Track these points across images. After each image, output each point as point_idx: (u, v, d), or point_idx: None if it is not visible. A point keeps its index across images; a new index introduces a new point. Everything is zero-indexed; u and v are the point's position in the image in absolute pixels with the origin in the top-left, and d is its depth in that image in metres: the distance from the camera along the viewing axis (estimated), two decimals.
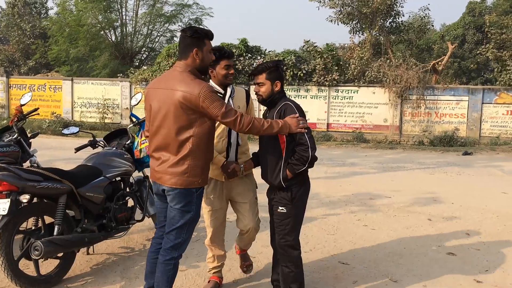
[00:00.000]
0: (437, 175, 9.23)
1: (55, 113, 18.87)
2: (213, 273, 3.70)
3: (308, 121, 3.38)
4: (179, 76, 2.92)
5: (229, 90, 3.46)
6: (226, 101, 3.39)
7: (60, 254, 3.65)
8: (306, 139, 3.17)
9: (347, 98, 16.58)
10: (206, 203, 3.52)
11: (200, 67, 3.00)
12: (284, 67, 16.62)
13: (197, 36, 2.95)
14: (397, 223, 5.64)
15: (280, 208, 3.27)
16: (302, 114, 3.25)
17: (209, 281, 3.72)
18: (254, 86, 3.42)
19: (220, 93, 3.40)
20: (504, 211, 6.24)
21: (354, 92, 16.55)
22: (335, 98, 16.60)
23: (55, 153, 10.55)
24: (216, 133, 3.37)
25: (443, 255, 4.54)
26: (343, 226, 5.47)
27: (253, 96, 3.59)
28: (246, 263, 3.87)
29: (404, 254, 4.54)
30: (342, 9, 18.23)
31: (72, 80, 19.62)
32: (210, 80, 3.47)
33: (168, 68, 17.15)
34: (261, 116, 3.55)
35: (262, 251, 4.51)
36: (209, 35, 3.02)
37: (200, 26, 24.19)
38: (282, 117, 3.20)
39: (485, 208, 6.42)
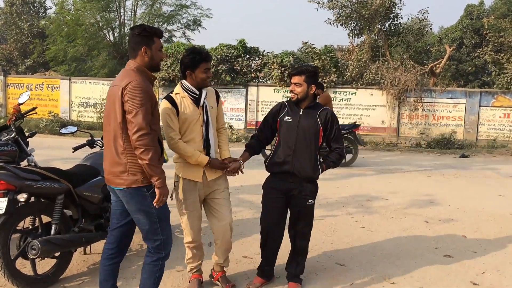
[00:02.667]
0: (434, 178, 9.25)
1: (53, 112, 18.82)
2: (194, 272, 3.69)
3: None
4: (124, 72, 2.93)
5: (204, 92, 3.46)
6: (201, 102, 3.42)
7: (57, 254, 3.64)
8: (343, 142, 3.75)
9: (345, 100, 16.61)
10: (184, 206, 3.46)
11: (150, 65, 2.97)
12: (283, 69, 16.66)
13: (145, 34, 2.92)
14: (394, 225, 5.65)
15: (310, 200, 3.65)
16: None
17: (190, 281, 3.69)
18: (291, 86, 3.64)
19: (196, 94, 3.41)
20: (500, 214, 6.26)
21: (352, 94, 16.59)
22: (333, 100, 16.51)
23: (53, 152, 10.52)
24: (191, 135, 3.39)
25: (440, 257, 4.55)
26: (340, 227, 5.48)
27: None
28: (229, 285, 3.72)
29: (401, 256, 4.55)
30: (340, 11, 18.23)
31: (69, 79, 19.60)
32: (184, 81, 3.44)
33: (165, 68, 17.14)
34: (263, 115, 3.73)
35: (259, 251, 4.49)
36: (158, 33, 2.99)
37: (198, 27, 24.25)
38: (328, 120, 3.59)
39: (482, 210, 6.44)
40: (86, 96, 19.14)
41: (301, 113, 3.63)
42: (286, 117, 3.65)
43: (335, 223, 5.64)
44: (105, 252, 3.19)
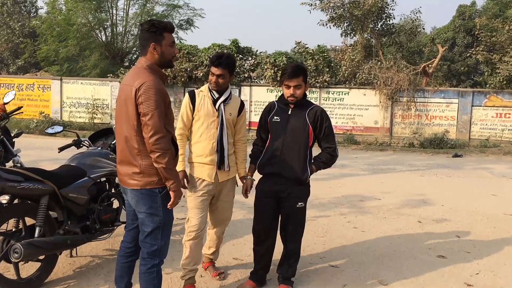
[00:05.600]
0: (427, 177, 9.22)
1: (44, 112, 18.61)
2: (188, 279, 3.58)
3: None
4: (136, 71, 2.83)
5: (224, 96, 3.54)
6: (217, 105, 3.50)
7: (41, 257, 3.54)
8: (335, 141, 3.60)
9: (338, 100, 16.58)
10: (195, 202, 3.51)
11: (161, 62, 2.86)
12: (276, 68, 16.58)
13: (154, 29, 2.80)
14: (387, 225, 5.59)
15: (300, 203, 3.53)
16: (330, 121, 3.61)
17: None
18: (289, 89, 3.45)
19: (214, 96, 3.53)
20: (494, 213, 6.22)
21: (345, 94, 16.56)
22: (326, 100, 16.59)
23: (42, 153, 10.37)
24: (205, 135, 3.49)
25: (433, 257, 4.49)
26: (333, 228, 5.41)
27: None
28: (218, 272, 3.87)
29: (394, 257, 4.49)
30: (333, 11, 18.21)
31: (61, 79, 19.39)
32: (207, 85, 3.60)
33: None
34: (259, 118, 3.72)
35: (250, 253, 4.41)
36: (168, 27, 2.87)
37: (191, 27, 24.12)
38: (318, 118, 3.46)
39: (475, 210, 6.40)
40: (77, 96, 18.95)
41: (289, 112, 3.53)
42: (275, 117, 3.56)
43: (328, 224, 5.57)
44: (122, 250, 3.15)
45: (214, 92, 3.53)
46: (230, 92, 3.63)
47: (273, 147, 3.52)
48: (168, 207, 2.85)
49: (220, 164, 3.51)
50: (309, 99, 3.69)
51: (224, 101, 3.53)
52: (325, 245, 4.80)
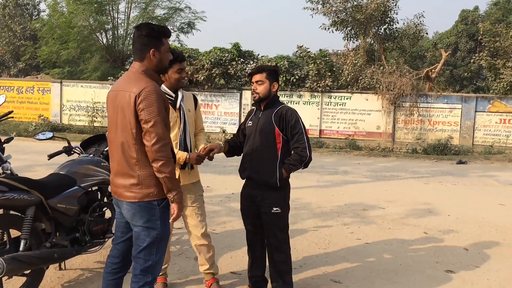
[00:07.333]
0: (432, 185, 9.00)
1: (43, 116, 18.45)
2: (160, 275, 3.51)
3: None
4: (131, 76, 2.67)
5: (180, 94, 3.52)
6: (178, 104, 3.48)
7: (27, 271, 3.34)
8: (305, 140, 3.36)
9: (340, 105, 16.38)
10: None
11: (158, 68, 2.72)
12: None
13: (154, 34, 2.65)
14: (392, 236, 5.38)
15: (275, 208, 3.37)
16: (299, 119, 3.39)
17: (155, 284, 3.48)
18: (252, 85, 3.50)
19: (171, 97, 3.45)
20: (502, 224, 6.01)
21: (347, 99, 16.36)
22: (328, 104, 16.40)
23: (38, 157, 10.16)
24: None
25: (441, 272, 4.28)
26: (335, 239, 5.19)
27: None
28: None
29: (400, 271, 4.27)
30: (335, 15, 18.06)
31: (61, 82, 19.24)
32: (162, 85, 3.45)
33: None
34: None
35: None
36: (167, 33, 2.74)
37: (192, 30, 23.96)
38: (283, 117, 3.34)
39: (483, 220, 6.18)
40: (77, 99, 18.80)
41: (260, 116, 3.48)
42: (249, 122, 3.55)
43: (330, 235, 5.35)
44: (108, 266, 2.92)
45: (167, 93, 3.44)
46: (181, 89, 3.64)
47: (246, 151, 3.50)
48: (170, 221, 2.69)
49: (184, 164, 3.45)
50: (282, 102, 3.55)
51: (182, 99, 3.53)
52: (327, 258, 4.59)
